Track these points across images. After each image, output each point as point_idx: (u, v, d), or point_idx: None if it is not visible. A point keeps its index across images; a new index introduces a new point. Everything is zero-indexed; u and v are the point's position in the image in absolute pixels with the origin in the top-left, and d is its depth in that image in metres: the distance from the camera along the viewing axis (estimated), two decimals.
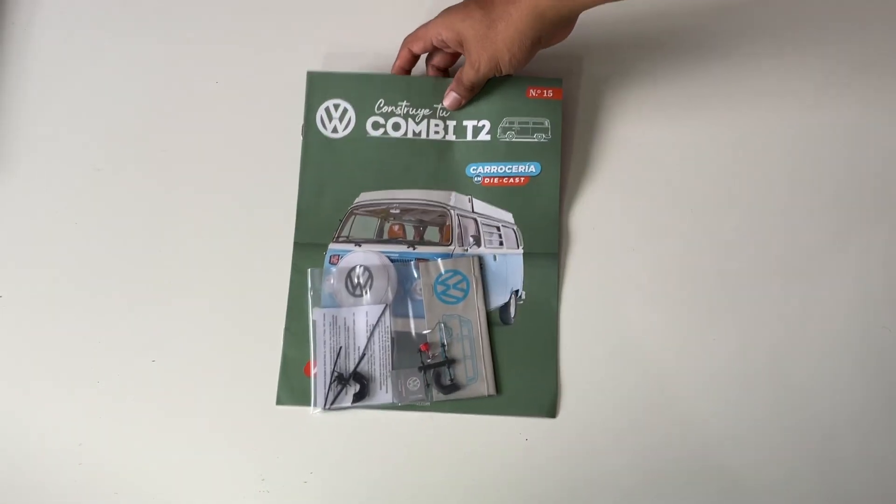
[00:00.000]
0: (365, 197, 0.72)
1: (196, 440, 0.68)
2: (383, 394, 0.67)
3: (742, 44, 0.78)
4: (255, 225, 0.73)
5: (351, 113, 0.74)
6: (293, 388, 0.68)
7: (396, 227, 0.72)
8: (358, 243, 0.71)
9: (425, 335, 0.68)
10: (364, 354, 0.68)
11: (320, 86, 0.74)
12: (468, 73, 0.68)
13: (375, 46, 0.77)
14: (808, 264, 0.72)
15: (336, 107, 0.74)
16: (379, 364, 0.68)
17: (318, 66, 0.78)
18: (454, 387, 0.67)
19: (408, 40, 0.71)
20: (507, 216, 0.72)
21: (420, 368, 0.67)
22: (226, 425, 0.68)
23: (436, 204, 0.72)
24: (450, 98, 0.72)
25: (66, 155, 0.77)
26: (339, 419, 0.67)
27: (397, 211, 0.72)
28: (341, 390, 0.67)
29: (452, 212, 0.71)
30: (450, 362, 0.68)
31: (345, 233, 0.71)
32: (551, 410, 0.67)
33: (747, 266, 0.72)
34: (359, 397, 0.67)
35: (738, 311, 0.70)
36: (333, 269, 0.70)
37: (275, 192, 0.74)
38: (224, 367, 0.69)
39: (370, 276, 0.70)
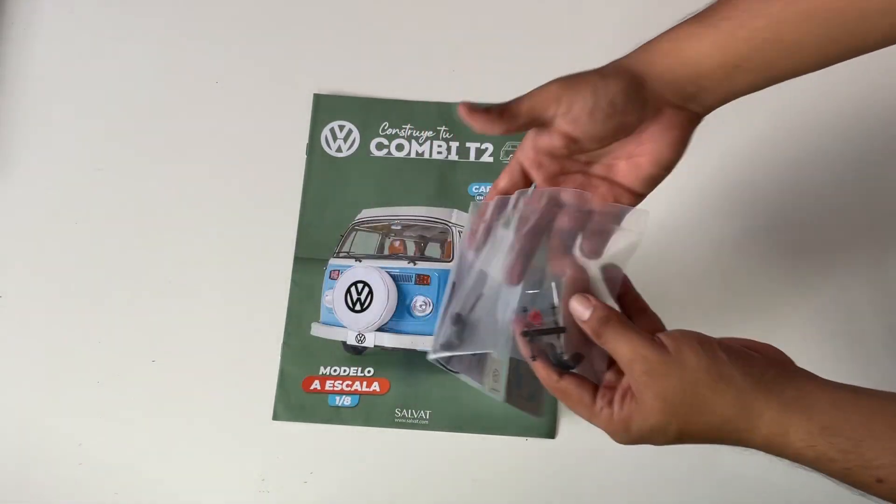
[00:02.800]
0: (366, 213, 0.73)
1: (196, 440, 0.68)
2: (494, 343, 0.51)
3: None
4: (256, 234, 0.73)
5: (355, 133, 0.75)
6: (290, 404, 0.68)
7: (397, 243, 0.72)
8: (358, 259, 0.71)
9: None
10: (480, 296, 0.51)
11: (326, 107, 0.76)
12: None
13: (381, 70, 0.77)
14: (806, 275, 0.72)
15: (341, 128, 0.75)
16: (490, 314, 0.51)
17: (323, 83, 0.77)
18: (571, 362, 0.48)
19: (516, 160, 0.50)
20: None
21: (525, 334, 0.49)
22: (226, 425, 0.68)
23: (437, 220, 0.72)
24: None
25: (66, 155, 0.76)
26: (338, 434, 0.68)
27: (398, 227, 0.72)
28: (455, 333, 0.51)
29: (454, 228, 0.71)
30: (560, 331, 0.49)
31: (345, 248, 0.72)
32: (550, 431, 0.68)
33: (750, 283, 0.71)
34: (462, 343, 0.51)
35: (739, 328, 0.70)
36: (333, 284, 0.70)
37: (276, 205, 0.73)
38: (224, 368, 0.70)
39: (370, 292, 0.70)
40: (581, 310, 0.46)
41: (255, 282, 0.72)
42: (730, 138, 0.73)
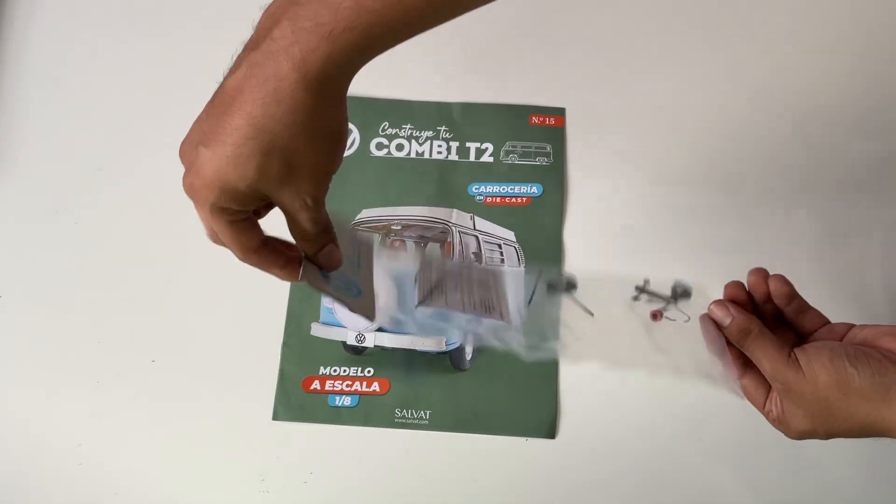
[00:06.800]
0: (366, 213, 0.73)
1: (196, 440, 0.68)
2: None
3: None
4: None
5: (355, 133, 0.75)
6: (290, 404, 0.68)
7: (398, 243, 0.72)
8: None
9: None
10: None
11: None
12: (301, 222, 0.45)
13: (381, 70, 0.77)
14: (809, 268, 0.72)
15: None
16: None
17: None
18: None
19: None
20: (509, 234, 0.72)
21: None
22: (226, 425, 0.68)
23: (437, 220, 0.72)
24: (324, 260, 0.50)
25: (66, 155, 0.77)
26: (338, 434, 0.68)
27: (398, 227, 0.72)
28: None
29: (454, 228, 0.71)
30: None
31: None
32: (550, 431, 0.68)
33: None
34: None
35: None
36: None
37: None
38: (224, 368, 0.70)
39: None
40: (720, 316, 0.50)
41: (255, 282, 0.71)
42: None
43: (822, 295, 0.69)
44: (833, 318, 0.53)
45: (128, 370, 0.70)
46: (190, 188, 0.42)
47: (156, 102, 0.78)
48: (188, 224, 0.73)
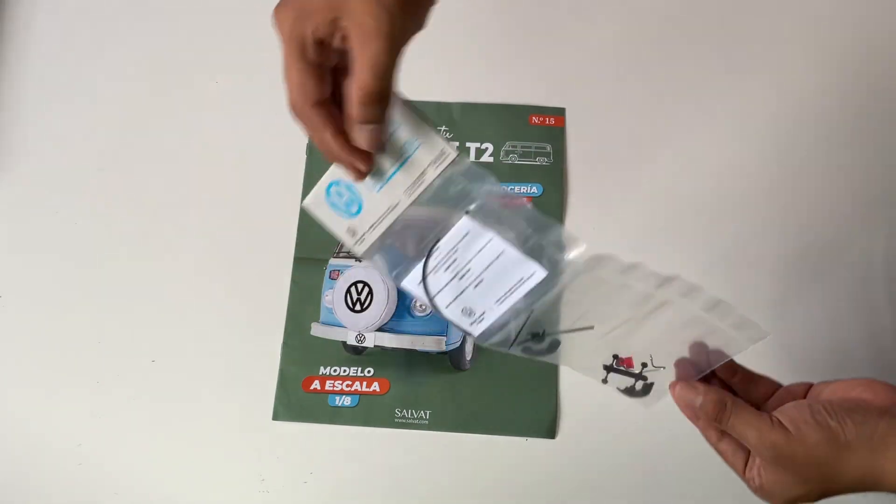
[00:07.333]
0: None
1: (196, 440, 0.68)
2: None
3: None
4: (256, 234, 0.73)
5: None
6: (290, 404, 0.68)
7: (397, 243, 0.72)
8: (358, 259, 0.71)
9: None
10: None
11: None
12: (366, 59, 0.40)
13: None
14: (808, 266, 0.72)
15: None
16: None
17: None
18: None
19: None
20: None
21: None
22: (226, 425, 0.68)
23: (437, 220, 0.72)
24: (365, 134, 0.44)
25: (66, 155, 0.77)
26: (338, 434, 0.68)
27: (399, 227, 0.72)
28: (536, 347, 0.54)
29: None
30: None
31: (345, 248, 0.72)
32: (550, 431, 0.68)
33: (752, 281, 0.71)
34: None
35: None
36: (333, 284, 0.71)
37: (276, 205, 0.74)
38: (224, 368, 0.70)
39: (370, 292, 0.70)
40: (690, 398, 0.48)
41: (255, 282, 0.72)
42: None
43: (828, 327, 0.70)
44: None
45: (128, 370, 0.70)
46: (274, 16, 0.41)
47: (156, 102, 0.78)
48: (188, 224, 0.74)
